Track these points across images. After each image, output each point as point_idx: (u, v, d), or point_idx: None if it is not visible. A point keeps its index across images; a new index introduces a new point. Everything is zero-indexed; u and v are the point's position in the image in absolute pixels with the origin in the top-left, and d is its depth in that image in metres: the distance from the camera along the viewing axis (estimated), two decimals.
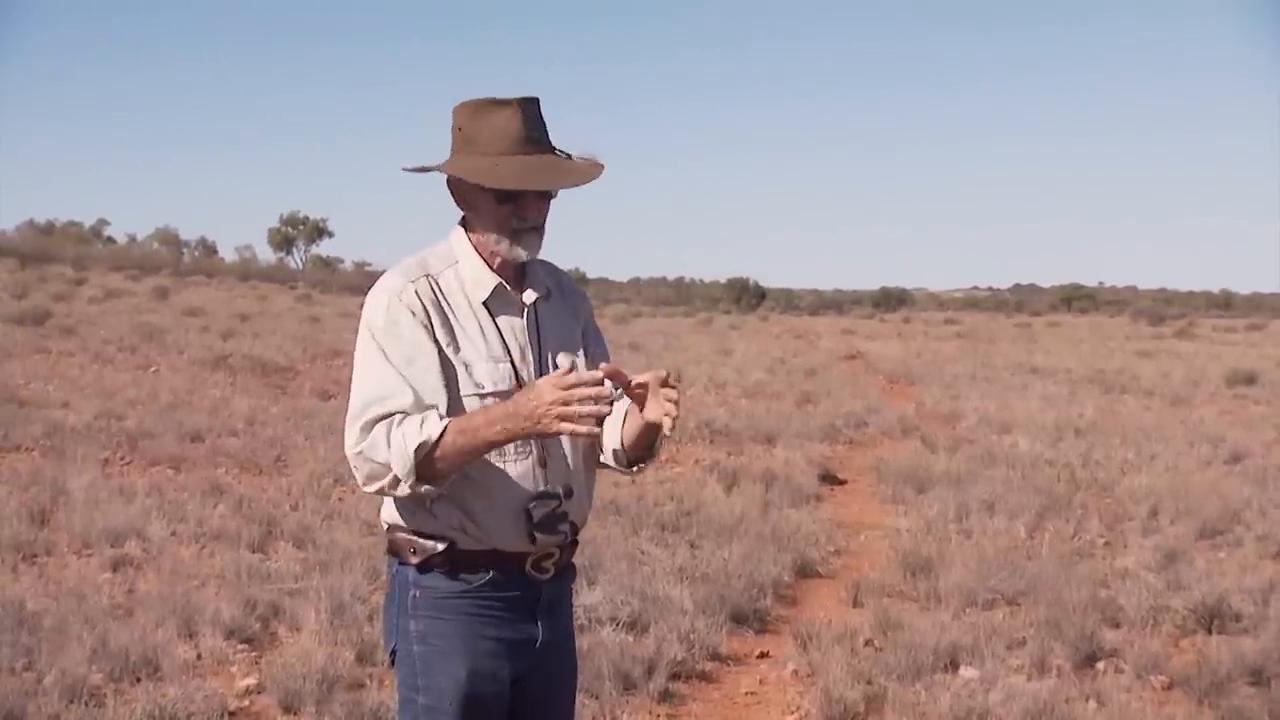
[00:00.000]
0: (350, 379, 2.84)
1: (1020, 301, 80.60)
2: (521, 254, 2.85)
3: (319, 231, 70.63)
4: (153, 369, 16.87)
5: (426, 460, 2.64)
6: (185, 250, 58.42)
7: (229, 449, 11.39)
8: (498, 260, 2.88)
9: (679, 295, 73.17)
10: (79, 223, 60.52)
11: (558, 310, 3.01)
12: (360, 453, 2.69)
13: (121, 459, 10.80)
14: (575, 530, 2.92)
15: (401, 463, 2.64)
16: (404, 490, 2.67)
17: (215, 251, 62.28)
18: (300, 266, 63.32)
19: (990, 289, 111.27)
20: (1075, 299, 72.64)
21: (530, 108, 2.84)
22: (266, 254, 65.76)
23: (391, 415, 2.68)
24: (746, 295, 66.01)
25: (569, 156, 2.87)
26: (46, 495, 8.84)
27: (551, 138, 2.88)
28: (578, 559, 3.13)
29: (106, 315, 22.90)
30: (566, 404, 2.54)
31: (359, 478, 2.73)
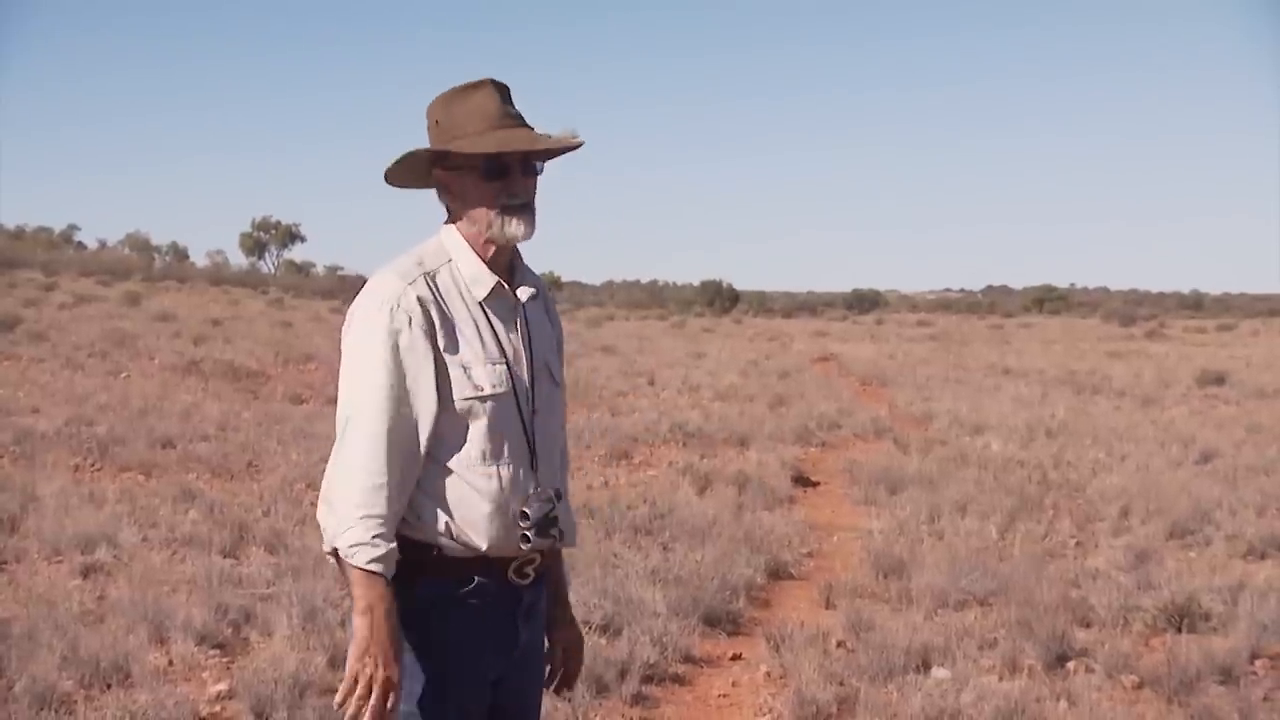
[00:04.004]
0: (331, 377, 2.81)
1: (992, 303, 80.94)
2: (516, 232, 2.79)
3: (291, 236, 70.37)
4: (124, 375, 16.79)
5: (337, 554, 2.67)
6: (156, 255, 58.11)
7: (200, 454, 11.35)
8: (490, 252, 2.83)
9: (652, 298, 73.25)
10: (49, 228, 60.14)
11: (539, 312, 2.98)
12: (330, 485, 2.71)
13: (92, 465, 10.75)
14: (562, 536, 2.89)
15: (327, 538, 2.69)
16: (325, 540, 2.71)
17: (187, 256, 62.03)
18: (272, 271, 63.09)
19: (962, 290, 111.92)
20: (1047, 300, 72.91)
21: (502, 88, 2.82)
22: (238, 259, 65.50)
23: (376, 485, 2.66)
24: (720, 298, 66.06)
25: (552, 136, 2.85)
26: (16, 502, 8.78)
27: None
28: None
29: (77, 321, 22.76)
30: (359, 696, 2.59)
31: (321, 496, 2.75)
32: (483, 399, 2.75)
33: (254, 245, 69.61)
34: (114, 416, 12.97)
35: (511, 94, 2.85)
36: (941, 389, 21.66)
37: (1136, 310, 64.35)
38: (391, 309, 2.71)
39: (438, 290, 2.77)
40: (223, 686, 5.67)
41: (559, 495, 2.85)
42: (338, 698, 2.61)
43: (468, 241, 2.84)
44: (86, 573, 7.37)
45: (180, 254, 62.09)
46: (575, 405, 16.62)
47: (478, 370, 2.75)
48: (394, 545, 2.66)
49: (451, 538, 2.74)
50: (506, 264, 2.88)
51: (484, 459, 2.75)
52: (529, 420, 2.83)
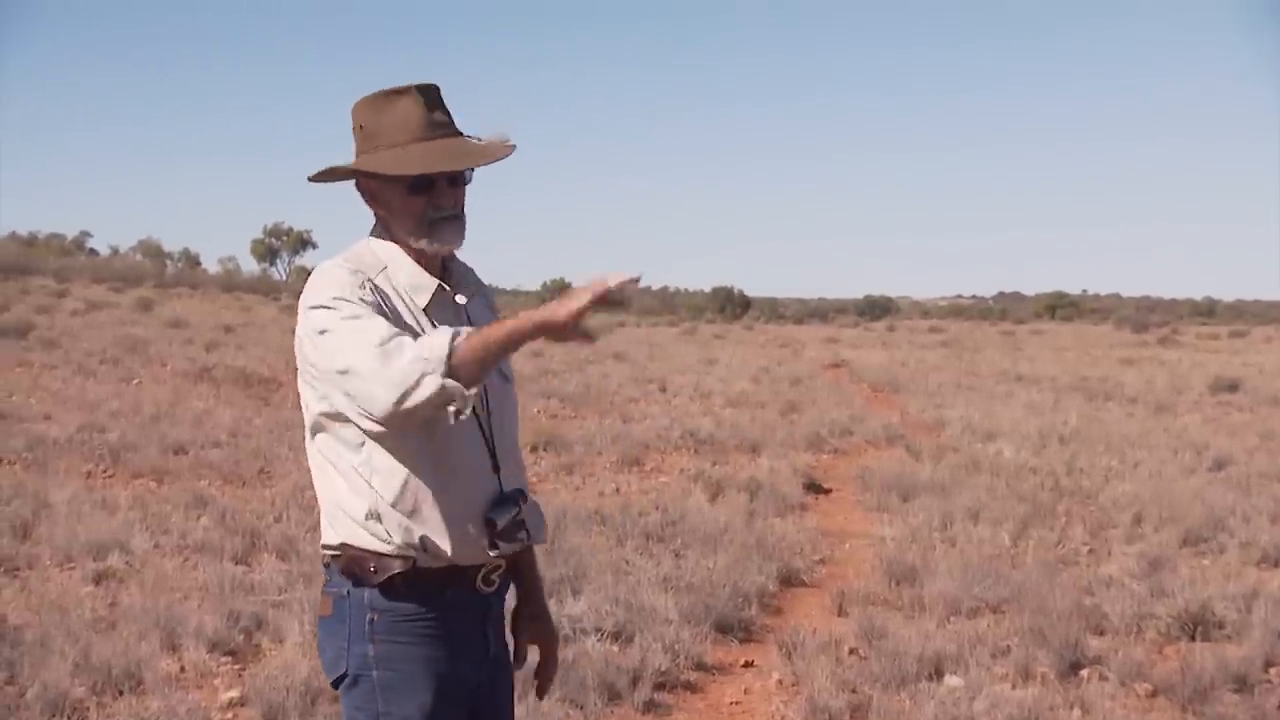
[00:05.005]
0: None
1: (1004, 309, 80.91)
2: (444, 246, 2.75)
3: (302, 243, 70.52)
4: (135, 381, 16.80)
5: (456, 351, 2.48)
6: (168, 262, 58.01)
7: (212, 461, 11.36)
8: (424, 259, 2.78)
9: (664, 304, 73.21)
10: (61, 235, 60.10)
11: (481, 310, 2.91)
12: (382, 365, 2.49)
13: (104, 471, 10.76)
14: (530, 536, 2.86)
15: (432, 353, 2.47)
16: (430, 389, 2.47)
17: (199, 263, 61.90)
18: (284, 278, 63.10)
19: (974, 297, 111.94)
20: (1059, 306, 72.92)
21: (430, 93, 2.75)
22: (250, 265, 65.58)
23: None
24: (731, 304, 66.16)
25: (479, 140, 2.79)
26: (28, 508, 8.79)
27: (460, 124, 2.80)
28: (562, 568, 3.13)
29: (89, 327, 22.78)
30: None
31: (380, 399, 2.50)
32: None
33: (266, 252, 69.80)
34: (126, 423, 12.98)
35: (440, 93, 2.79)
36: (953, 396, 21.62)
37: (1149, 317, 64.18)
38: (358, 285, 2.64)
39: (380, 295, 2.70)
40: (234, 693, 5.68)
41: (524, 496, 2.82)
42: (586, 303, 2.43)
43: (400, 248, 2.78)
44: (98, 579, 7.38)
45: (192, 260, 62.05)
46: (587, 411, 16.62)
47: None
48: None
49: (424, 550, 2.69)
50: (439, 265, 2.82)
51: (443, 467, 2.69)
52: (485, 423, 2.78)
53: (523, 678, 3.08)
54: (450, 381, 2.48)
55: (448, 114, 2.79)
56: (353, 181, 2.84)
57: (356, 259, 2.76)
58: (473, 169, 2.78)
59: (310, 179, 2.84)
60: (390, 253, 2.78)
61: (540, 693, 3.11)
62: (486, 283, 3.02)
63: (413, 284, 2.75)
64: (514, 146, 2.81)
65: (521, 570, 3.02)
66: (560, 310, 2.44)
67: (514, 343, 2.52)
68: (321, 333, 2.64)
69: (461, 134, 2.79)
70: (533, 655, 3.11)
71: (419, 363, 2.48)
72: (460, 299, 2.82)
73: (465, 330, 2.52)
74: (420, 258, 2.77)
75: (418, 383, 2.48)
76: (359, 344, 2.54)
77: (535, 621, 3.08)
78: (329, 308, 2.63)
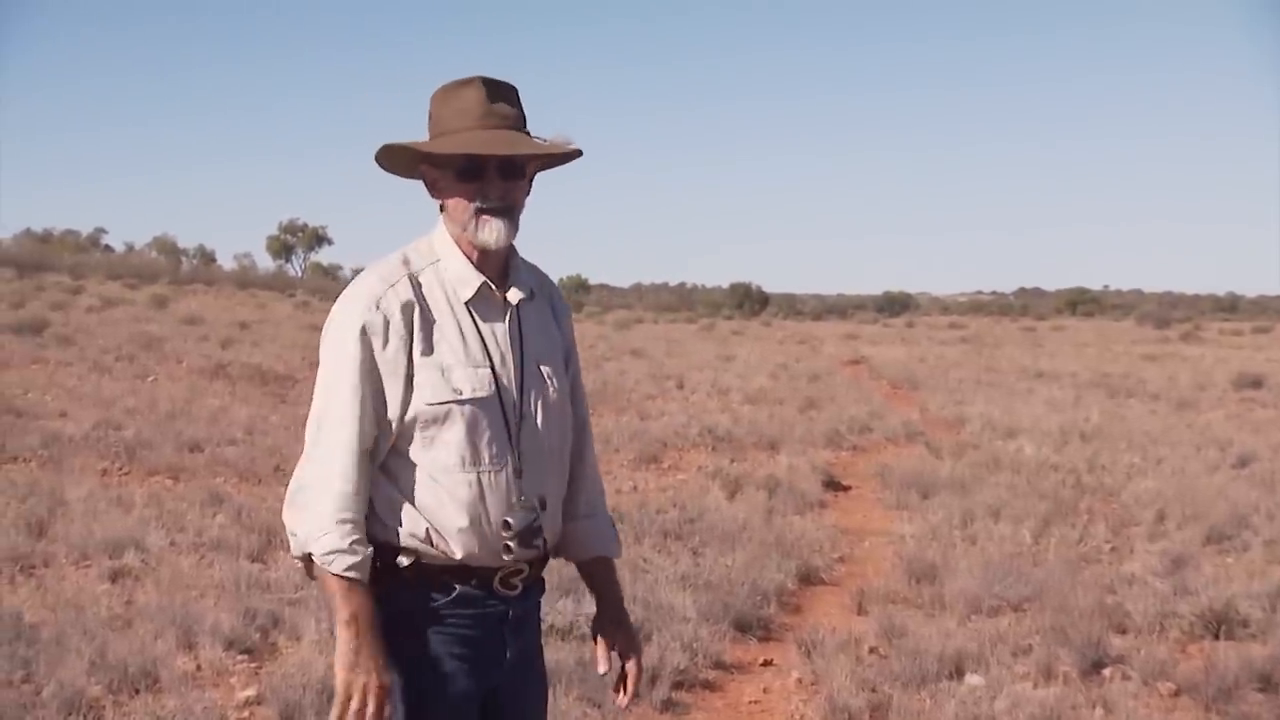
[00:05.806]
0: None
1: (1025, 305, 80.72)
2: (488, 237, 2.71)
3: (318, 239, 70.72)
4: (151, 378, 16.82)
5: (309, 562, 2.66)
6: (184, 258, 58.06)
7: (228, 458, 11.35)
8: (478, 255, 2.76)
9: (682, 301, 73.35)
10: (76, 231, 60.30)
11: (540, 314, 2.89)
12: (300, 488, 2.70)
13: (120, 469, 10.76)
14: (547, 545, 2.82)
15: (297, 544, 2.67)
16: (296, 552, 2.69)
17: (214, 259, 61.90)
18: (299, 274, 63.27)
19: (995, 293, 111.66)
20: (1080, 303, 72.69)
21: (495, 87, 2.73)
22: (265, 262, 65.65)
23: (350, 491, 2.64)
24: (749, 301, 66.11)
25: (542, 140, 2.76)
26: (44, 506, 8.79)
27: (530, 125, 2.77)
28: (571, 570, 3.07)
29: (104, 324, 22.83)
30: (355, 710, 2.55)
31: (287, 498, 2.75)
32: (461, 402, 2.66)
33: (281, 248, 69.97)
34: (141, 420, 12.99)
35: (515, 93, 2.77)
36: (973, 392, 21.55)
37: (1171, 312, 64.06)
38: (369, 312, 2.67)
39: (421, 291, 2.71)
40: (251, 692, 5.65)
41: (544, 504, 2.76)
42: (334, 714, 2.55)
43: (455, 241, 2.77)
44: (114, 577, 7.36)
45: (207, 257, 62.05)
46: (604, 409, 16.59)
47: (458, 373, 2.67)
48: (370, 551, 2.62)
49: (431, 545, 2.66)
50: (500, 264, 2.80)
51: (462, 465, 2.66)
52: (515, 426, 2.73)
53: (608, 683, 3.06)
54: (299, 563, 2.72)
55: (517, 110, 2.76)
56: (398, 180, 2.85)
57: (414, 250, 2.79)
58: (525, 164, 2.76)
59: (375, 158, 2.82)
60: (446, 245, 2.78)
61: (625, 699, 3.08)
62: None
63: (460, 277, 2.75)
64: (578, 151, 2.80)
65: (598, 580, 3.03)
66: (344, 676, 2.58)
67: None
68: (319, 372, 2.82)
69: (525, 130, 2.76)
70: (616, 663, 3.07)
71: (295, 532, 2.68)
72: (512, 297, 2.79)
73: (339, 569, 2.60)
74: (472, 251, 2.76)
75: (291, 528, 2.69)
76: (304, 454, 2.76)
77: (615, 626, 3.04)
78: (325, 352, 2.80)
